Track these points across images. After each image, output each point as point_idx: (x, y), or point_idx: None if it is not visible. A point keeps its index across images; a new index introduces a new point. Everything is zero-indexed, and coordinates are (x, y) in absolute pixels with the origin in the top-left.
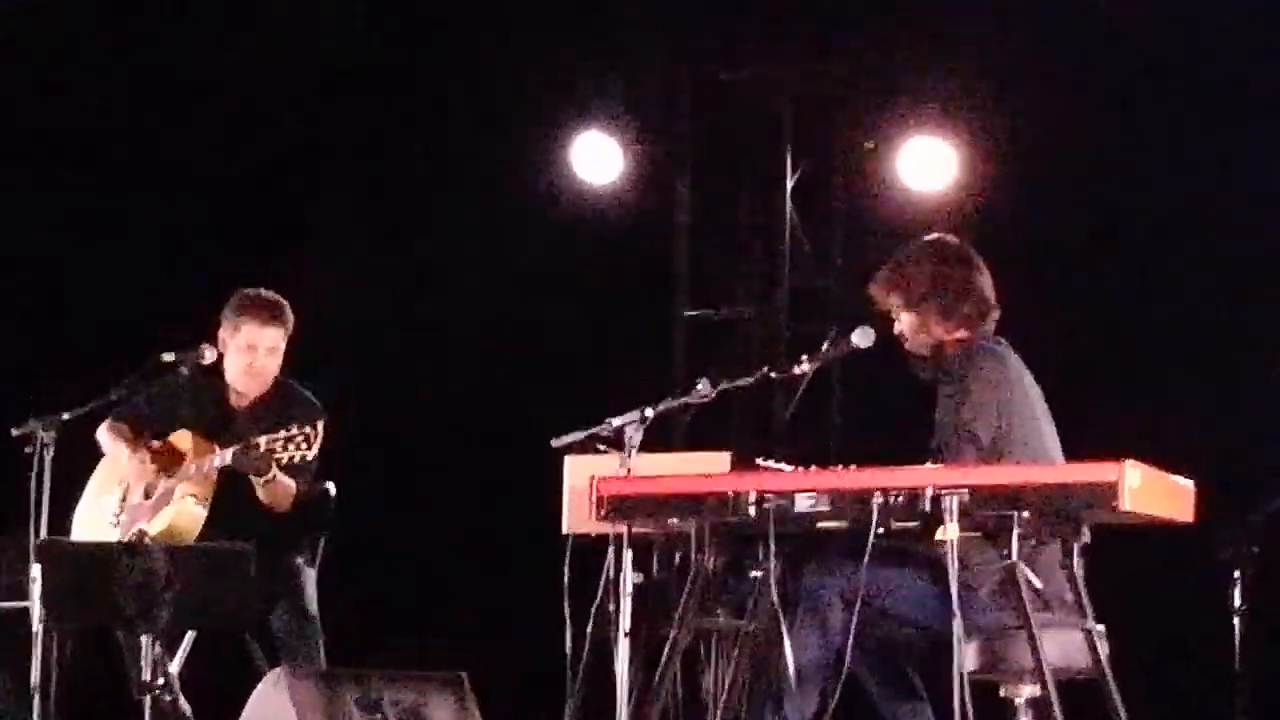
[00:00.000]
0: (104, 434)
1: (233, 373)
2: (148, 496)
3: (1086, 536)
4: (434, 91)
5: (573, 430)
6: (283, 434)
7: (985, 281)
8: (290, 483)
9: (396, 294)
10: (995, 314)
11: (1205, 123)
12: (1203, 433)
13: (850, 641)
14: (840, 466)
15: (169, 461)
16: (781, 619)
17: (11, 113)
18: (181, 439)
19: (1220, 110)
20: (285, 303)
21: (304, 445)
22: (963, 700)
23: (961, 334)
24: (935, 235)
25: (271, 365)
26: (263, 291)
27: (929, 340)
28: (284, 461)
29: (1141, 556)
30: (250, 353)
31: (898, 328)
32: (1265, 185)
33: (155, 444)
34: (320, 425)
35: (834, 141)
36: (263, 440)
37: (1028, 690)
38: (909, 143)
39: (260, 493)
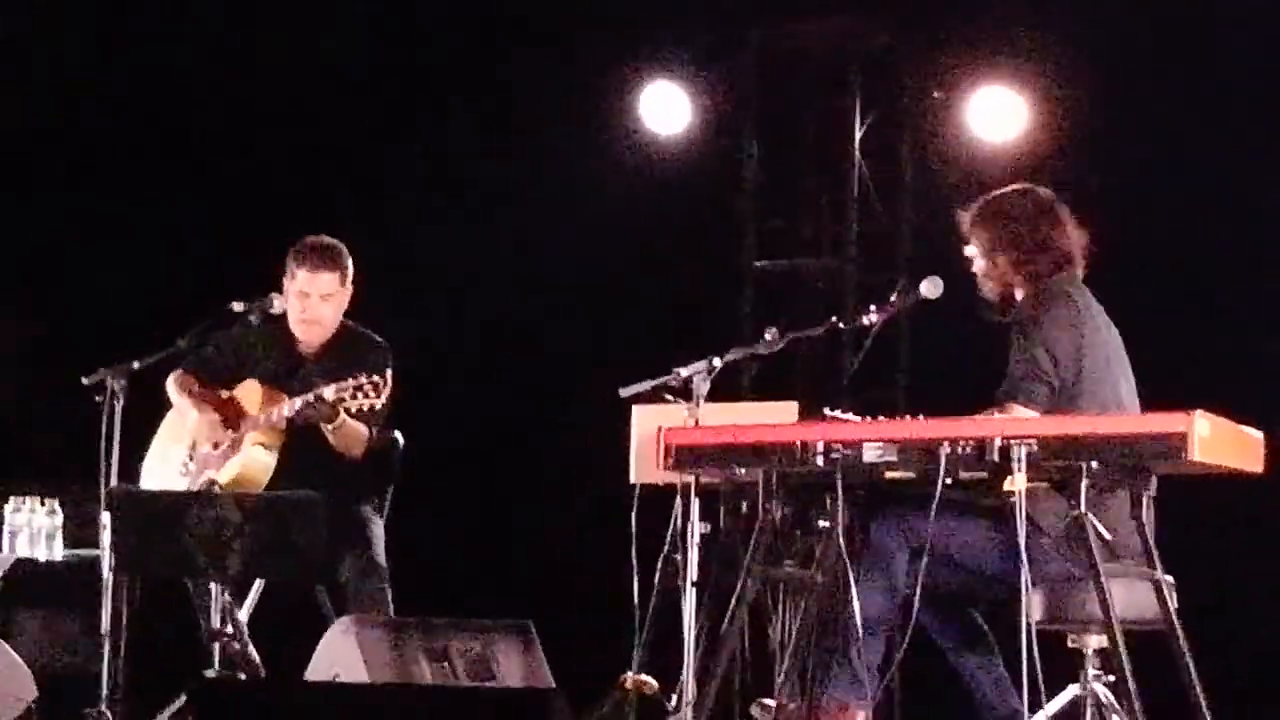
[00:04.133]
0: (172, 386)
1: (291, 320)
2: (217, 446)
3: (1154, 487)
4: (502, 44)
5: (641, 379)
6: (350, 383)
7: (1066, 238)
8: (361, 428)
9: (465, 246)
10: (1072, 269)
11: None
12: (1274, 383)
13: (918, 592)
14: (908, 416)
15: (233, 416)
16: (849, 569)
17: (101, 70)
18: (250, 389)
19: None
20: (341, 247)
21: (372, 394)
22: (1030, 650)
23: (1031, 286)
24: (1025, 186)
25: (327, 312)
26: (322, 237)
27: (999, 288)
28: (352, 410)
29: (1210, 507)
30: (303, 299)
31: (973, 265)
32: None
33: (223, 395)
34: (389, 373)
35: (903, 91)
36: (330, 390)
37: (1095, 641)
38: (979, 93)
39: (331, 439)
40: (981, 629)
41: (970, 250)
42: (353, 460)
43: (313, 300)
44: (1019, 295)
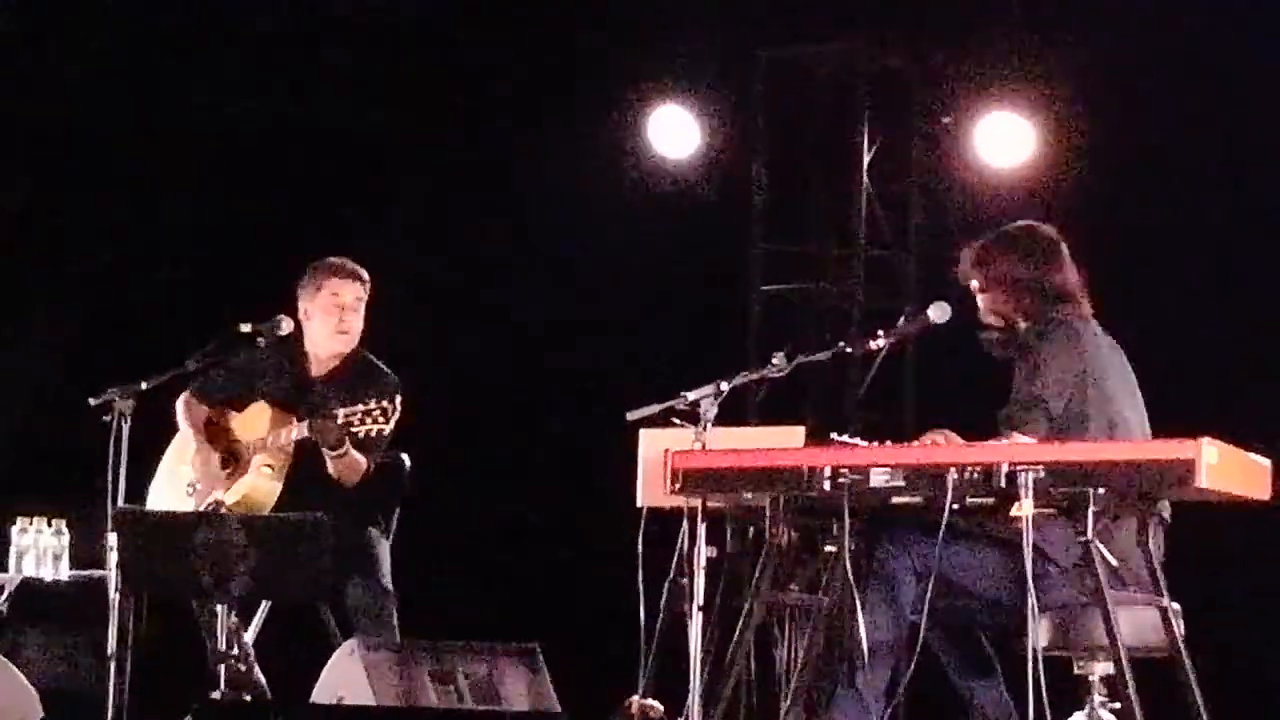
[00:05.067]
0: (181, 411)
1: (321, 336)
2: (224, 466)
3: (1167, 513)
4: (513, 67)
5: (648, 403)
6: (360, 407)
7: (1061, 277)
8: (361, 459)
9: (472, 267)
10: (1077, 305)
11: None
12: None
13: (924, 617)
14: (915, 442)
15: (231, 456)
16: (855, 594)
17: (117, 89)
18: (259, 411)
19: None
20: (362, 268)
21: (380, 419)
22: (1036, 676)
23: (1028, 325)
24: (1028, 224)
25: (356, 324)
26: (340, 258)
27: (1000, 323)
28: (360, 435)
29: (1218, 534)
30: (337, 310)
31: (978, 301)
32: None
33: (230, 422)
34: (398, 400)
35: (911, 117)
36: (341, 413)
37: (1101, 667)
38: (986, 118)
39: (330, 466)
40: (986, 653)
41: (973, 285)
42: (360, 483)
43: (345, 310)
44: (1021, 328)
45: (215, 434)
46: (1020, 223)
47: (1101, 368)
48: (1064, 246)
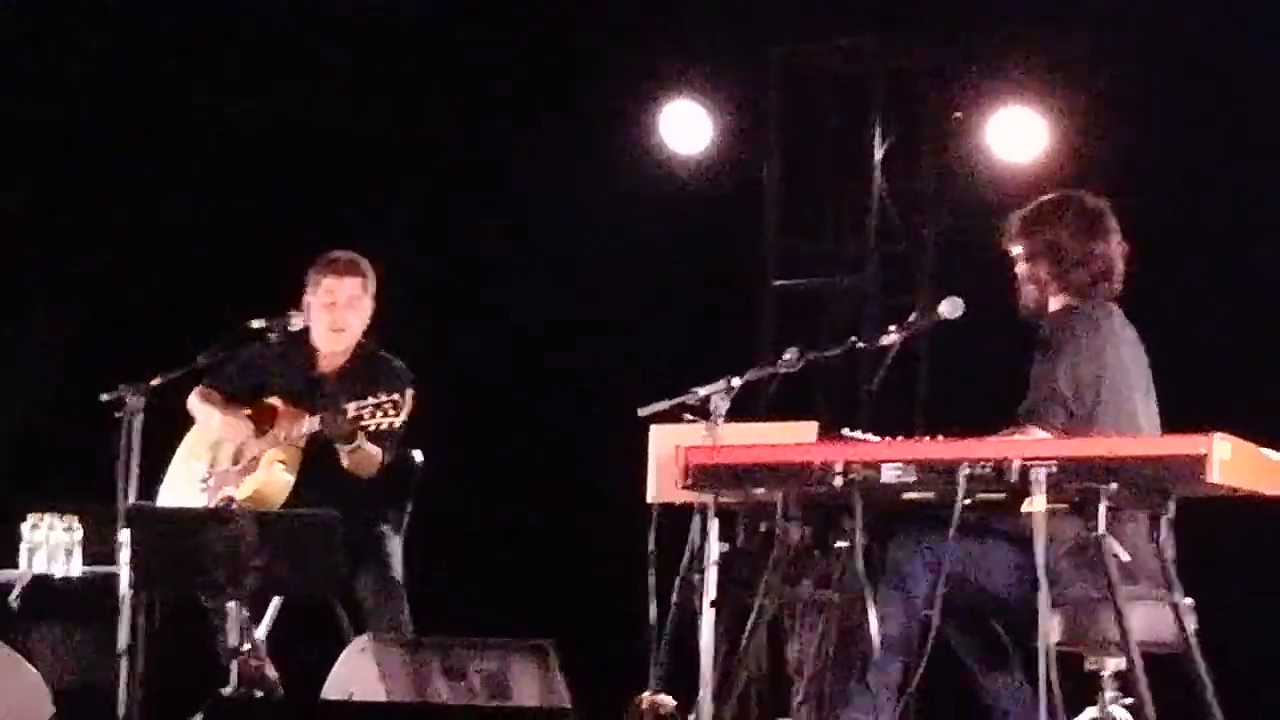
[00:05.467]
0: (195, 400)
1: (317, 332)
2: (236, 462)
3: (1171, 510)
4: (524, 59)
5: (659, 399)
6: (371, 401)
7: (1107, 250)
8: (375, 450)
9: (472, 267)
10: (1109, 284)
11: None
12: None
13: (936, 613)
14: (926, 437)
15: (263, 423)
16: (867, 590)
17: (123, 87)
18: (270, 407)
19: None
20: (364, 260)
21: (391, 412)
22: (1048, 672)
23: (1066, 299)
24: (1075, 193)
25: (354, 321)
26: (340, 251)
27: (1036, 293)
28: (371, 429)
29: (1231, 530)
30: (330, 308)
31: (1016, 269)
32: None
33: (247, 411)
34: (409, 394)
35: (923, 112)
36: (351, 406)
37: (1113, 663)
38: (999, 113)
39: (345, 459)
40: (1002, 643)
41: (1015, 251)
42: (372, 478)
43: (339, 308)
44: (1052, 306)
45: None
46: (1068, 192)
47: (1121, 365)
48: (1111, 218)
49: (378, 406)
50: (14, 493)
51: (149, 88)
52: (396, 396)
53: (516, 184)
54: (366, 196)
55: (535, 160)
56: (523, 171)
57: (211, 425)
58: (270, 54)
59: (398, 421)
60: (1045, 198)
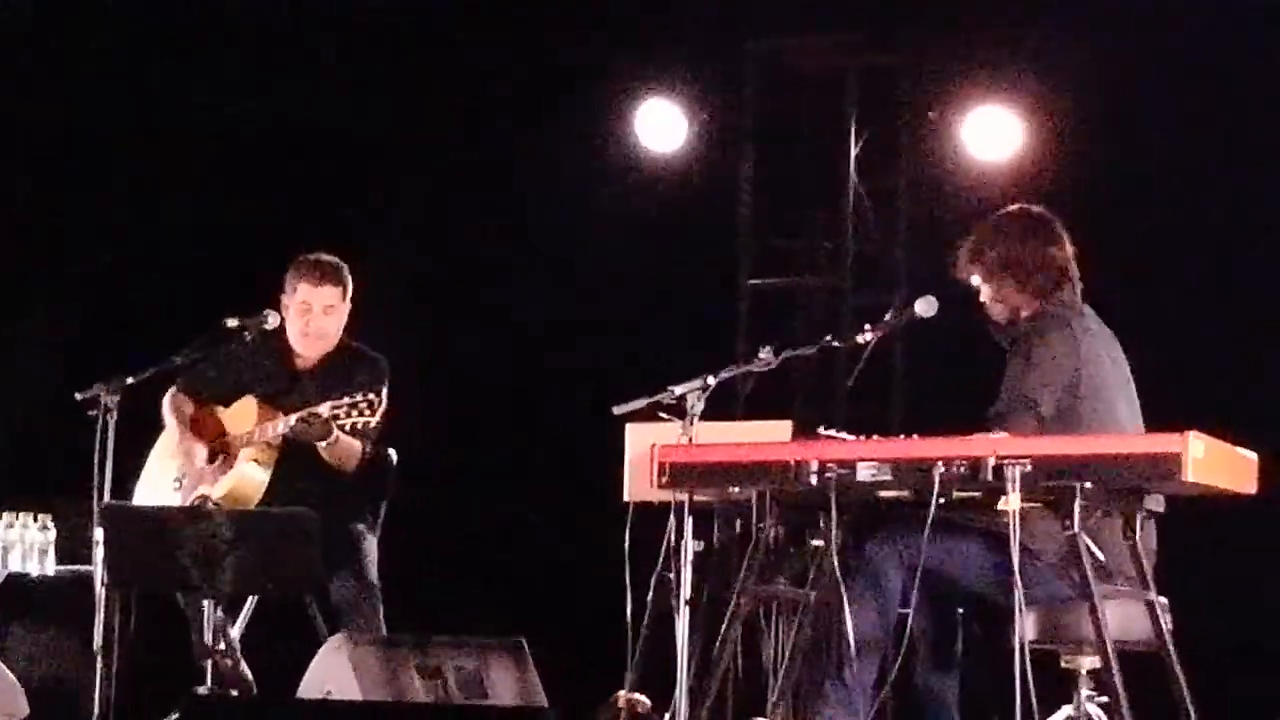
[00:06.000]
0: (166, 406)
1: (292, 335)
2: (211, 461)
3: (1160, 506)
4: (523, 59)
5: (635, 397)
6: (346, 400)
7: (1062, 253)
8: (354, 444)
9: (472, 267)
10: (1072, 285)
11: (1276, 94)
12: (1267, 404)
13: (911, 611)
14: (902, 436)
15: (219, 447)
16: (842, 588)
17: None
18: (246, 406)
19: None
20: (342, 265)
21: (367, 411)
22: (1023, 669)
23: (1037, 305)
24: (1017, 206)
25: (329, 326)
26: (320, 254)
27: (1006, 310)
28: (347, 427)
29: (1204, 528)
30: (305, 312)
31: (981, 297)
32: None
33: (218, 415)
34: (384, 391)
35: (898, 111)
36: (325, 407)
37: (1088, 661)
38: (974, 112)
39: (324, 454)
40: (953, 651)
41: (975, 280)
42: (346, 476)
43: (315, 314)
44: (1024, 313)
45: (202, 428)
46: (1009, 207)
47: (1095, 366)
48: (1058, 224)
49: (353, 405)
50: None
51: (149, 88)
52: (371, 396)
53: (516, 184)
54: (366, 196)
55: (535, 160)
56: (523, 171)
57: (175, 441)
58: (270, 54)
59: (374, 420)
60: (990, 217)
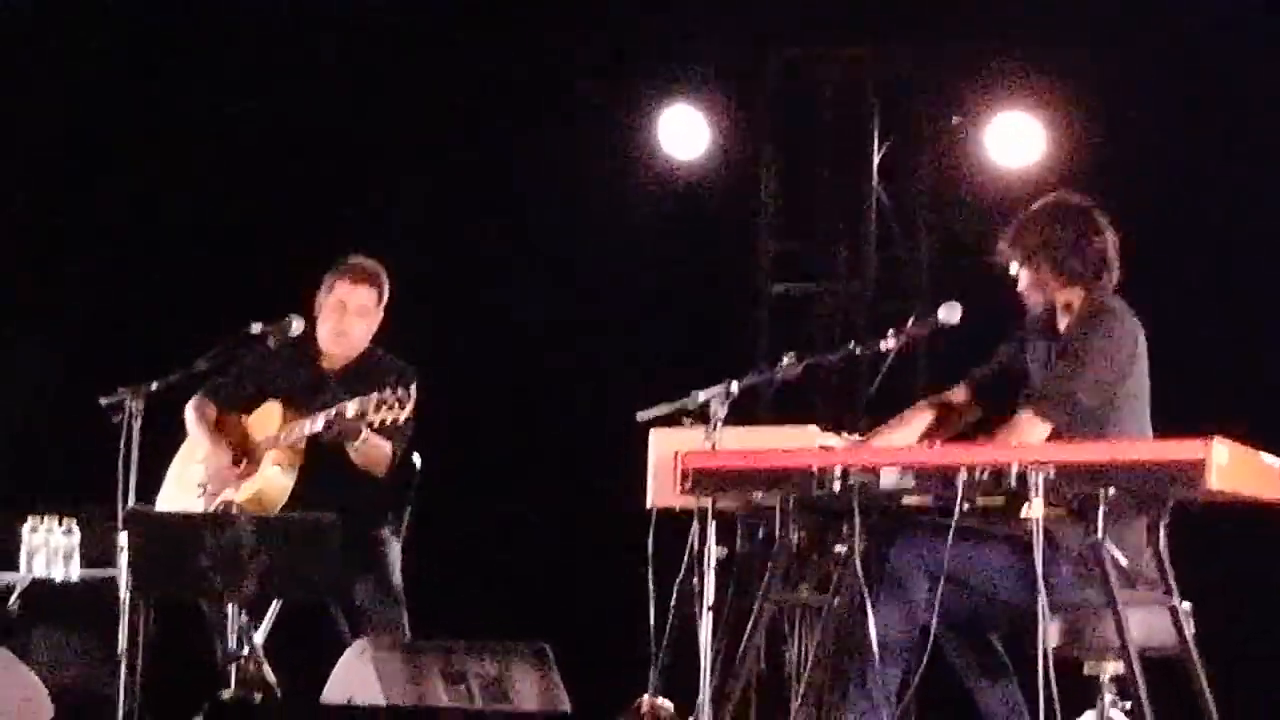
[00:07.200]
0: (190, 414)
1: (323, 333)
2: (235, 465)
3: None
4: (524, 59)
5: (658, 403)
6: (375, 396)
7: (1103, 241)
8: (384, 444)
9: (472, 267)
10: (1112, 274)
11: None
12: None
13: (935, 618)
14: (925, 442)
15: (242, 455)
16: (866, 594)
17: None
18: (270, 410)
19: None
20: (382, 270)
21: (397, 408)
22: (1047, 677)
23: (1076, 293)
24: (1058, 193)
25: (360, 328)
26: (362, 258)
27: (1043, 299)
28: (375, 424)
29: (1229, 535)
30: (339, 311)
31: (1019, 285)
32: None
33: (243, 422)
34: (413, 388)
35: (920, 117)
36: (352, 406)
37: (1111, 667)
38: (996, 118)
39: (354, 455)
40: (999, 655)
41: (1013, 267)
42: (372, 481)
43: (348, 314)
44: (1061, 301)
45: (227, 433)
46: (1049, 195)
47: (1142, 369)
48: (1098, 212)
49: (382, 401)
50: (13, 496)
51: (149, 88)
52: (401, 392)
53: (516, 184)
54: (366, 196)
55: (535, 160)
56: (523, 171)
57: (200, 450)
58: (270, 54)
59: (403, 416)
60: (1028, 209)
